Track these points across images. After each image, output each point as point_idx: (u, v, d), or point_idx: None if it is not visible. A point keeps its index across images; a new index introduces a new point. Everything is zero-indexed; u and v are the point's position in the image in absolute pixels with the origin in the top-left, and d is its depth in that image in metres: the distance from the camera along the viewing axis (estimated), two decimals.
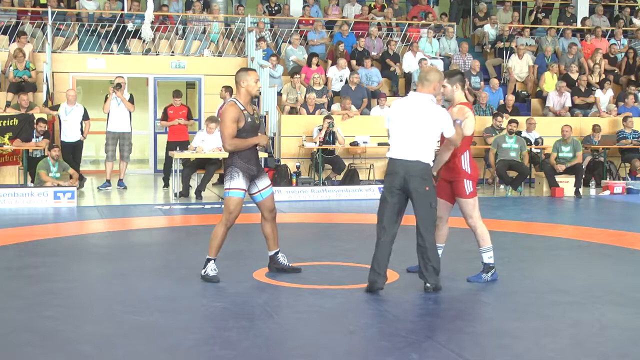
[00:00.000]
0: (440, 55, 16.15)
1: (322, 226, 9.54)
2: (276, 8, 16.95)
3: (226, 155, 6.16)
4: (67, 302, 5.31)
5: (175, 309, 5.13)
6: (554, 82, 15.59)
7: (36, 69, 14.09)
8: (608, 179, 13.51)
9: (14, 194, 10.66)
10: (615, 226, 9.34)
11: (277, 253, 6.21)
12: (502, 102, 14.94)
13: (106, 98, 12.72)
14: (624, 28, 18.26)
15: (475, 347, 4.34)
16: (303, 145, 13.01)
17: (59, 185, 11.03)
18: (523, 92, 16.08)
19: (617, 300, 5.46)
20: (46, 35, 14.88)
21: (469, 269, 6.16)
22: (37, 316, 4.90)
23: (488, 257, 5.95)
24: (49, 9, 14.90)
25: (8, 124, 12.49)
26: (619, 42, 17.61)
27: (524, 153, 12.58)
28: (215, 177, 12.81)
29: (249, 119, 5.85)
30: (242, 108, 5.84)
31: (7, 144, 12.14)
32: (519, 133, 12.96)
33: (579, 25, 18.27)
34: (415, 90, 5.78)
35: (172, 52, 15.76)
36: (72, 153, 12.45)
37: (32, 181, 11.75)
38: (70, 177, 11.51)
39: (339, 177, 13.10)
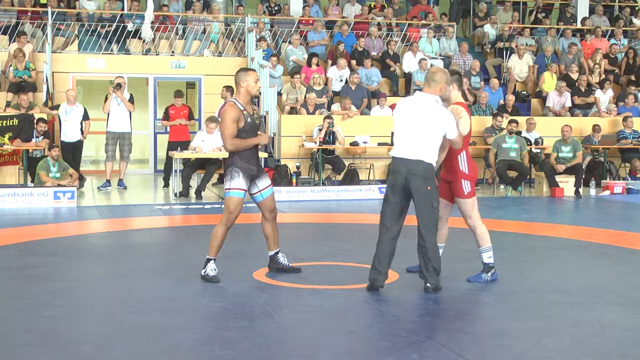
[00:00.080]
0: (440, 55, 16.15)
1: (322, 226, 9.54)
2: (276, 8, 16.95)
3: (226, 155, 6.16)
4: (67, 302, 5.31)
5: (175, 309, 5.13)
6: (553, 82, 15.59)
7: (36, 69, 14.10)
8: (608, 179, 13.51)
9: (14, 194, 10.66)
10: (615, 226, 9.34)
11: (277, 253, 6.21)
12: (502, 102, 14.94)
13: (106, 98, 12.72)
14: (624, 28, 18.26)
15: (475, 347, 4.34)
16: (303, 145, 13.01)
17: (59, 185, 11.03)
18: (523, 92, 16.08)
19: (617, 300, 5.46)
20: (46, 35, 14.88)
21: (469, 269, 6.16)
22: (37, 316, 4.90)
23: (488, 257, 5.95)
24: (49, 9, 14.90)
25: (8, 124, 12.49)
26: (619, 42, 17.61)
27: (524, 153, 12.58)
28: (214, 177, 12.81)
29: (249, 119, 5.86)
30: (242, 108, 5.84)
31: (7, 144, 12.14)
32: (519, 133, 12.96)
33: (579, 25, 18.27)
34: (420, 89, 5.80)
35: (172, 52, 15.76)
36: (72, 153, 12.45)
37: (32, 181, 11.75)
38: (70, 176, 11.50)
39: (339, 177, 13.10)
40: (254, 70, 6.29)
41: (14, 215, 9.76)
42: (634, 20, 19.03)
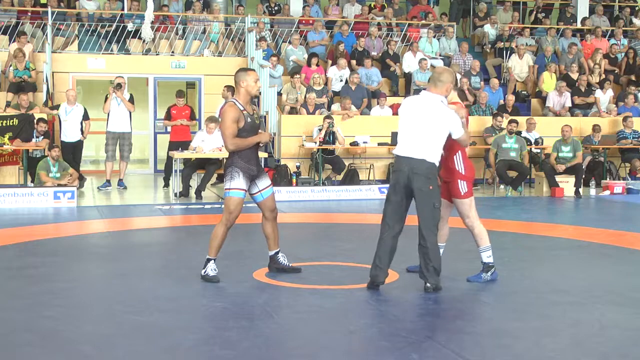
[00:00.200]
0: (440, 55, 16.15)
1: (322, 226, 9.54)
2: (276, 8, 16.95)
3: (226, 155, 6.16)
4: (67, 302, 5.31)
5: (175, 309, 5.13)
6: (552, 82, 15.60)
7: (36, 69, 14.10)
8: (608, 179, 13.51)
9: (14, 194, 10.66)
10: (615, 226, 9.34)
11: (277, 253, 6.21)
12: (502, 102, 14.94)
13: (106, 98, 12.72)
14: (624, 28, 18.26)
15: (475, 347, 4.34)
16: (303, 145, 13.01)
17: (59, 185, 11.03)
18: (523, 92, 16.08)
19: (617, 300, 5.46)
20: (46, 35, 14.88)
21: (469, 269, 6.15)
22: (37, 316, 4.90)
23: (487, 257, 5.95)
24: (49, 9, 14.90)
25: (8, 124, 12.49)
26: (619, 42, 17.61)
27: (524, 153, 12.58)
28: (213, 177, 12.79)
29: (249, 119, 5.86)
30: (242, 108, 5.84)
31: (7, 144, 12.14)
32: (519, 133, 12.96)
33: (579, 25, 18.27)
34: (420, 89, 5.81)
35: (172, 52, 15.76)
36: (72, 153, 12.45)
37: (32, 181, 11.75)
38: (70, 175, 11.50)
39: (339, 177, 13.10)
40: (254, 70, 6.30)
41: (14, 215, 9.76)
42: (634, 20, 19.02)
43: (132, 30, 15.57)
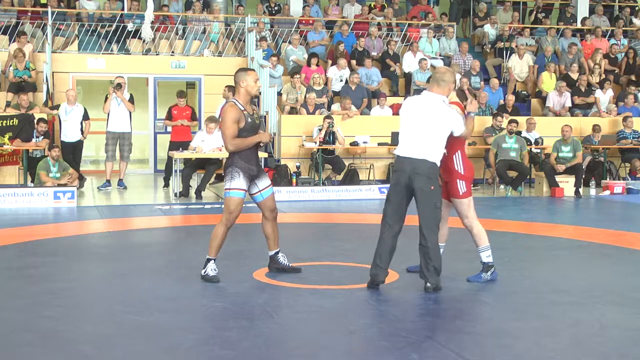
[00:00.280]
0: (440, 55, 16.16)
1: (322, 226, 9.54)
2: (276, 8, 16.95)
3: (226, 155, 6.16)
4: (67, 302, 5.31)
5: (175, 309, 5.13)
6: (552, 82, 15.60)
7: (36, 69, 14.10)
8: (608, 179, 13.51)
9: (14, 194, 10.66)
10: (615, 226, 9.34)
11: (277, 253, 6.21)
12: (502, 102, 14.94)
13: (106, 98, 12.72)
14: (624, 28, 18.26)
15: (475, 347, 4.34)
16: (303, 145, 13.01)
17: (59, 185, 11.03)
18: (523, 92, 16.08)
19: (617, 300, 5.46)
20: (46, 35, 14.88)
21: (469, 269, 6.15)
22: (37, 316, 4.90)
23: (486, 256, 5.95)
24: (49, 9, 14.90)
25: (8, 124, 12.49)
26: (619, 42, 17.61)
27: (524, 153, 12.58)
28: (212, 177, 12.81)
29: (249, 119, 5.86)
30: (242, 108, 5.84)
31: (7, 144, 12.14)
32: (519, 133, 12.96)
33: (579, 25, 18.27)
34: (420, 89, 5.81)
35: (172, 52, 15.76)
36: (72, 153, 12.45)
37: (32, 181, 11.75)
38: (70, 175, 11.51)
39: (339, 177, 13.10)
40: (254, 70, 6.29)
41: (14, 215, 9.76)
42: (634, 20, 19.03)
43: (132, 30, 15.57)
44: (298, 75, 14.18)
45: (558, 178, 12.42)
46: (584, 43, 17.20)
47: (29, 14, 15.45)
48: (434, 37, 16.44)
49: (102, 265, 6.81)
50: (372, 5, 17.74)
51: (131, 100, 12.70)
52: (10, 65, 14.00)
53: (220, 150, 11.17)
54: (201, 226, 8.88)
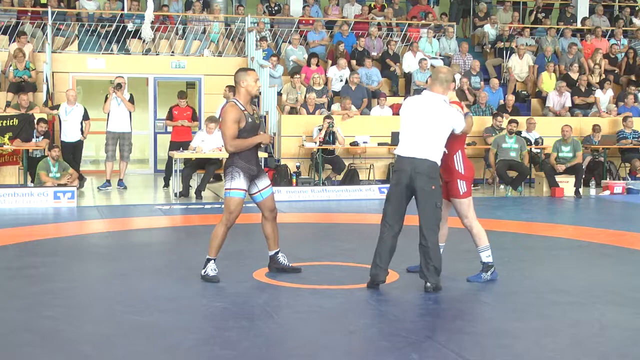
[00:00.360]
0: (440, 55, 16.15)
1: (322, 226, 9.54)
2: (276, 8, 16.95)
3: (226, 155, 6.16)
4: (67, 302, 5.31)
5: (175, 309, 5.13)
6: (552, 82, 15.61)
7: (36, 69, 14.10)
8: (608, 179, 13.51)
9: (14, 194, 10.66)
10: (615, 226, 9.34)
11: (277, 253, 6.21)
12: (502, 102, 14.94)
13: (106, 98, 12.72)
14: (624, 28, 18.26)
15: (475, 347, 4.34)
16: (303, 145, 13.01)
17: (59, 185, 11.03)
18: (523, 92, 16.08)
19: (617, 300, 5.46)
20: (46, 35, 14.88)
21: (469, 269, 6.15)
22: (37, 316, 4.90)
23: (486, 256, 5.95)
24: (49, 9, 14.90)
25: (8, 124, 12.49)
26: (619, 42, 17.61)
27: (524, 153, 12.58)
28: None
29: (250, 119, 5.86)
30: (243, 108, 5.84)
31: (7, 144, 12.14)
32: (519, 133, 12.96)
33: (579, 25, 18.27)
34: (420, 89, 5.82)
35: (172, 52, 15.77)
36: (72, 153, 12.45)
37: (32, 181, 11.75)
38: (70, 175, 11.51)
39: (339, 177, 13.10)
40: (254, 70, 6.29)
41: (14, 215, 9.76)
42: (634, 20, 19.03)
43: (132, 30, 15.57)
44: (298, 75, 14.18)
45: (558, 178, 12.42)
46: (584, 43, 17.20)
47: (29, 14, 15.46)
48: (434, 37, 16.45)
49: (102, 265, 6.81)
50: (372, 5, 17.74)
51: (131, 100, 12.70)
52: (10, 65, 14.00)
53: (220, 150, 11.17)
54: (201, 226, 8.88)
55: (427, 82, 5.92)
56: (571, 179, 12.42)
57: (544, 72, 15.80)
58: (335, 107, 13.87)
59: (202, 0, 16.47)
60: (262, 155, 11.28)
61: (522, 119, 13.83)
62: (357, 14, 17.16)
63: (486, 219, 8.34)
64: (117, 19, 15.51)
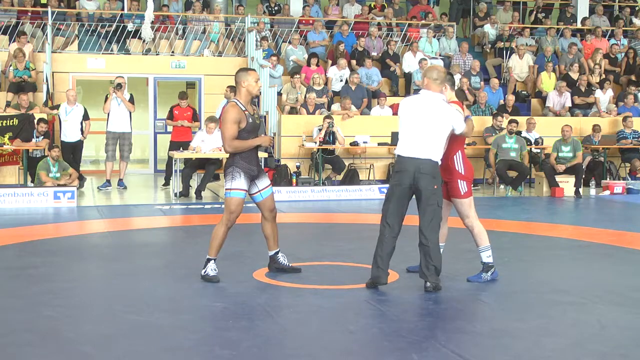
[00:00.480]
0: (440, 55, 16.15)
1: (322, 226, 9.54)
2: (276, 8, 16.95)
3: (226, 155, 6.16)
4: (67, 302, 5.31)
5: (175, 309, 5.13)
6: (551, 82, 15.61)
7: (36, 69, 14.10)
8: (608, 179, 13.52)
9: (14, 194, 10.66)
10: (615, 226, 9.34)
11: (277, 253, 6.21)
12: (502, 102, 14.94)
13: (106, 98, 12.73)
14: (624, 28, 18.26)
15: (475, 347, 4.34)
16: (303, 145, 13.01)
17: (59, 185, 11.03)
18: (523, 92, 16.08)
19: (617, 300, 5.46)
20: (46, 35, 14.88)
21: (469, 269, 6.15)
22: (37, 316, 4.90)
23: (487, 257, 5.95)
24: (49, 9, 14.90)
25: (8, 124, 12.48)
26: (619, 42, 17.61)
27: (524, 153, 12.58)
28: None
29: (250, 120, 5.86)
30: (244, 108, 5.84)
31: (7, 144, 12.15)
32: (519, 133, 12.96)
33: (579, 25, 18.27)
34: (420, 89, 5.82)
35: (172, 52, 15.77)
36: (72, 153, 12.46)
37: (32, 181, 11.75)
38: (70, 175, 11.51)
39: (339, 177, 13.10)
40: (254, 70, 6.29)
41: (14, 215, 9.77)
42: (634, 20, 19.03)
43: (132, 30, 15.57)
44: (298, 75, 14.18)
45: (558, 178, 12.42)
46: (584, 43, 17.20)
47: (29, 14, 15.46)
48: (434, 37, 16.45)
49: (102, 265, 6.81)
50: (372, 5, 17.75)
51: (131, 100, 12.71)
52: (10, 65, 14.00)
53: (220, 150, 11.17)
54: (201, 226, 8.88)
55: (424, 82, 5.86)
56: (571, 179, 12.42)
57: (543, 72, 15.80)
58: (335, 107, 13.88)
59: (202, 0, 16.47)
60: (262, 155, 11.29)
61: (522, 119, 13.83)
62: (357, 14, 17.17)
63: (486, 219, 8.33)
64: (117, 19, 15.51)
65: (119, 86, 12.47)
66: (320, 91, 14.05)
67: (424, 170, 5.51)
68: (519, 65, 16.24)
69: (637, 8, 19.65)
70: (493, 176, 12.88)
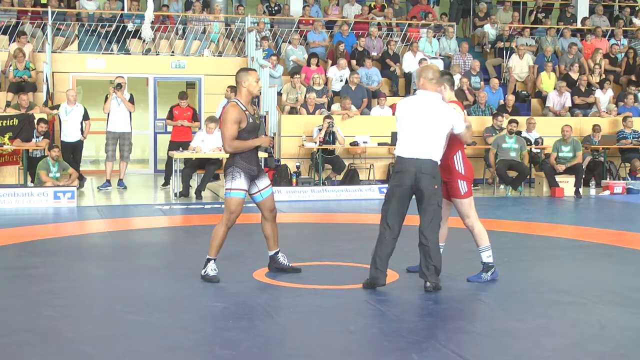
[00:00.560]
0: (440, 55, 16.15)
1: (322, 226, 9.54)
2: (276, 8, 16.95)
3: (226, 155, 6.16)
4: (67, 302, 5.31)
5: (175, 309, 5.13)
6: (550, 81, 15.61)
7: (36, 69, 14.10)
8: (608, 179, 13.52)
9: (14, 194, 10.66)
10: (615, 226, 9.34)
11: (277, 253, 6.21)
12: (502, 102, 14.94)
13: (106, 98, 12.73)
14: (624, 28, 18.26)
15: (475, 347, 4.34)
16: (303, 145, 13.01)
17: (59, 185, 11.03)
18: (523, 92, 16.09)
19: (617, 300, 5.46)
20: (46, 35, 14.88)
21: (469, 269, 6.15)
22: (37, 316, 4.90)
23: (487, 257, 5.95)
24: (49, 9, 14.90)
25: (8, 124, 12.48)
26: (619, 42, 17.61)
27: (524, 153, 12.58)
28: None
29: (251, 120, 5.86)
30: (244, 108, 5.84)
31: (7, 144, 12.15)
32: (519, 133, 12.96)
33: (579, 25, 18.27)
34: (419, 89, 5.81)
35: (172, 52, 15.77)
36: (72, 153, 12.46)
37: (32, 181, 11.75)
38: (70, 175, 11.52)
39: (339, 177, 13.10)
40: (255, 70, 6.29)
41: (14, 215, 9.77)
42: (634, 20, 19.03)
43: (132, 30, 15.57)
44: (298, 75, 14.18)
45: (558, 178, 12.42)
46: (584, 43, 17.20)
47: (29, 14, 15.46)
48: (434, 37, 16.45)
49: (102, 265, 6.81)
50: (372, 5, 17.75)
51: (131, 100, 12.71)
52: (10, 65, 14.00)
53: (220, 150, 11.16)
54: (201, 226, 8.88)
55: (420, 82, 5.84)
56: (571, 179, 12.42)
57: (543, 72, 15.80)
58: (335, 107, 13.88)
59: (202, 0, 16.47)
60: (262, 155, 11.29)
61: (522, 119, 13.83)
62: (357, 14, 17.17)
63: (486, 219, 8.33)
64: (117, 19, 15.51)
65: (119, 86, 12.47)
66: (320, 91, 14.05)
67: (425, 171, 5.51)
68: (519, 65, 16.23)
69: (637, 8, 19.65)
70: (493, 176, 12.88)
